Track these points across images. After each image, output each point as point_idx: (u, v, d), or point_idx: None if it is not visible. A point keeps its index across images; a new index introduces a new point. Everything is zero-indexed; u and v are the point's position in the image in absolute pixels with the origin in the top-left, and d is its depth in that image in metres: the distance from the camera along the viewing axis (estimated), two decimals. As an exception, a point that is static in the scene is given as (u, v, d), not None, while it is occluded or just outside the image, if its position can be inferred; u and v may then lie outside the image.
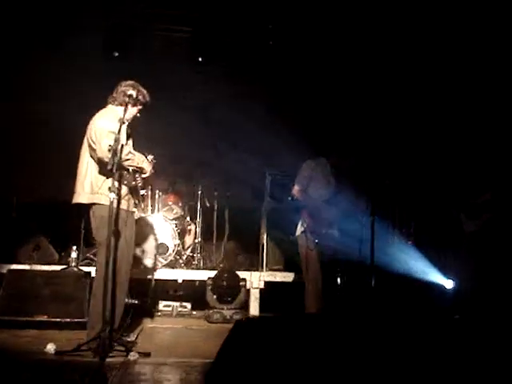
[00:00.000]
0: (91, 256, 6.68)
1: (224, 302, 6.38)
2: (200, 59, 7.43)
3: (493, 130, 6.25)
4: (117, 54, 7.52)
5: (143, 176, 4.55)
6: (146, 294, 6.53)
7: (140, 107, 4.73)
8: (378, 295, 6.04)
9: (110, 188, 4.09)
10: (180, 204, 7.22)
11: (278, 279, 6.83)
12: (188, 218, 7.45)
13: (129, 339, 4.88)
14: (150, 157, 4.79)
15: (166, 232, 6.84)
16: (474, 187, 6.04)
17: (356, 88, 7.40)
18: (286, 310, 6.31)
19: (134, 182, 4.43)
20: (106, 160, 4.20)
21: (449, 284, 6.22)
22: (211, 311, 6.32)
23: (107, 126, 4.40)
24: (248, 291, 6.68)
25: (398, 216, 7.16)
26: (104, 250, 4.25)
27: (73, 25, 6.93)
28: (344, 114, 7.23)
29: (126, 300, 4.73)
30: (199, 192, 7.34)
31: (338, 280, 5.90)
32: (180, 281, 6.74)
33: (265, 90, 7.61)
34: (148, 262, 6.69)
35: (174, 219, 7.16)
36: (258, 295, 6.74)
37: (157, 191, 7.05)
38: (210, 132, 7.68)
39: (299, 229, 5.81)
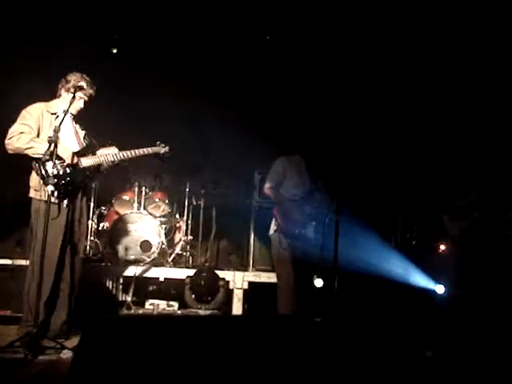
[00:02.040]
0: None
1: (202, 301, 6.23)
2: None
3: (478, 130, 5.89)
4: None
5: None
6: (128, 292, 6.45)
7: (86, 99, 4.67)
8: (351, 299, 5.81)
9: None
10: (167, 201, 7.09)
11: (263, 280, 6.61)
12: (177, 216, 7.32)
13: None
14: (112, 149, 4.75)
15: (150, 229, 6.73)
16: (458, 188, 5.68)
17: (338, 85, 7.12)
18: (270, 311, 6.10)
19: (54, 171, 4.32)
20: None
21: (440, 289, 5.86)
22: (187, 311, 6.17)
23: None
24: (231, 291, 6.50)
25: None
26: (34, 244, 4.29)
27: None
28: (325, 110, 6.95)
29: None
30: (187, 190, 7.19)
31: (316, 282, 5.64)
32: (162, 279, 6.61)
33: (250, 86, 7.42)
34: (131, 258, 6.60)
35: (162, 216, 7.06)
36: (241, 296, 6.54)
37: (143, 188, 6.94)
38: (198, 131, 7.54)
39: (272, 227, 5.59)
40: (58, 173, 4.35)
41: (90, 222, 6.90)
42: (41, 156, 4.30)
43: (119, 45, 7.63)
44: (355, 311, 5.74)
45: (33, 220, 4.43)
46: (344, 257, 5.31)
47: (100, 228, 6.97)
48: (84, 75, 4.67)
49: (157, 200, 7.04)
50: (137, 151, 4.87)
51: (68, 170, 4.43)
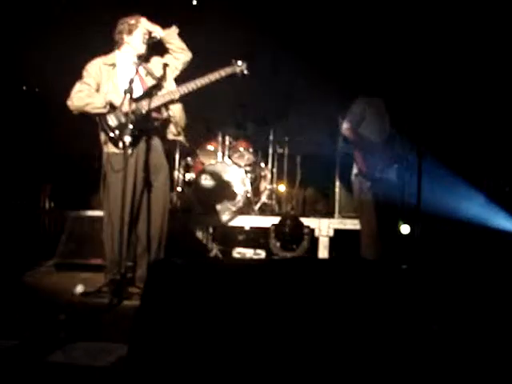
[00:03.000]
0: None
1: (287, 249, 6.23)
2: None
3: None
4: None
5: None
6: (215, 241, 6.58)
7: (139, 32, 4.58)
8: (436, 245, 5.61)
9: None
10: (251, 150, 7.07)
11: (349, 226, 6.50)
12: (262, 164, 7.30)
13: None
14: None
15: (235, 178, 6.76)
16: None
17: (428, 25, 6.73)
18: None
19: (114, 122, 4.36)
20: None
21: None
22: (273, 258, 6.21)
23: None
24: (317, 239, 6.46)
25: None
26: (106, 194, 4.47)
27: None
28: (410, 53, 6.61)
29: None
30: (270, 138, 7.14)
31: (403, 228, 5.48)
32: (247, 228, 6.67)
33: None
34: (216, 208, 6.70)
35: (246, 165, 7.07)
36: (327, 243, 6.48)
37: (226, 137, 6.95)
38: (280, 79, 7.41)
39: (353, 172, 5.46)
40: (120, 123, 4.36)
41: (176, 172, 7.05)
42: (100, 110, 4.38)
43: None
44: (439, 257, 5.54)
45: (103, 172, 4.53)
46: (429, 202, 5.13)
47: (186, 179, 7.08)
48: (129, 15, 4.60)
49: (241, 149, 7.04)
50: (206, 78, 4.57)
51: (130, 119, 4.24)
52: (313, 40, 7.27)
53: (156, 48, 4.71)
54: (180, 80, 4.77)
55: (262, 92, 7.37)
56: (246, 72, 4.68)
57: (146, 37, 4.55)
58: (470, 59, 6.77)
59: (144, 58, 4.54)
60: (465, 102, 6.77)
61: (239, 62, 4.66)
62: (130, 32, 4.56)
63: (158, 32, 4.56)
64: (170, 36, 4.64)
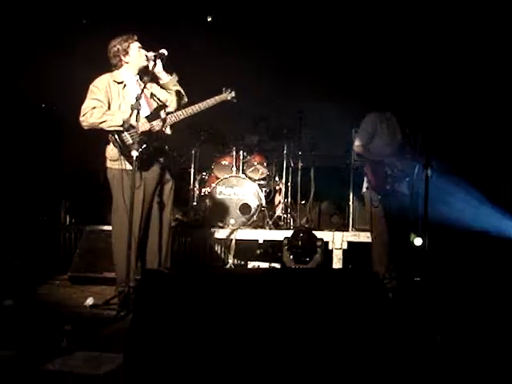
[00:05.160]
0: (179, 216, 6.93)
1: (300, 262, 6.23)
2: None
3: None
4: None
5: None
6: (229, 255, 6.61)
7: (134, 49, 4.68)
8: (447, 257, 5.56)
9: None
10: (265, 164, 7.11)
11: (362, 239, 6.48)
12: (277, 178, 7.33)
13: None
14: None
15: (249, 192, 6.81)
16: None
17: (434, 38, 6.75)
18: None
19: (130, 141, 4.44)
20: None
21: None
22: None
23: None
24: (331, 252, 6.46)
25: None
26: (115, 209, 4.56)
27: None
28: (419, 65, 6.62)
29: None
30: (284, 152, 7.18)
31: (416, 241, 5.44)
32: (261, 241, 6.70)
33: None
34: (231, 222, 6.74)
35: (260, 179, 7.11)
36: (340, 256, 6.48)
37: (241, 151, 7.01)
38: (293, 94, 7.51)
39: (364, 185, 5.52)
40: (134, 142, 4.41)
41: (191, 187, 7.13)
42: (115, 128, 4.46)
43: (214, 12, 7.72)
44: (449, 269, 5.50)
45: (111, 188, 4.61)
46: (440, 214, 5.10)
47: (202, 193, 7.14)
48: (118, 37, 4.67)
49: (255, 163, 7.09)
50: (203, 104, 4.82)
51: (143, 138, 4.46)
52: (324, 54, 7.33)
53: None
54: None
55: (274, 108, 7.45)
56: (235, 100, 5.04)
57: (141, 51, 4.68)
58: (479, 68, 6.75)
59: (151, 74, 4.62)
60: (477, 111, 6.74)
61: (229, 90, 5.01)
62: (126, 53, 4.65)
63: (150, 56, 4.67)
64: (171, 83, 4.82)
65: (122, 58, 4.65)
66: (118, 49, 4.63)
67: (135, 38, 4.69)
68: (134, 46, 4.66)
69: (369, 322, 2.43)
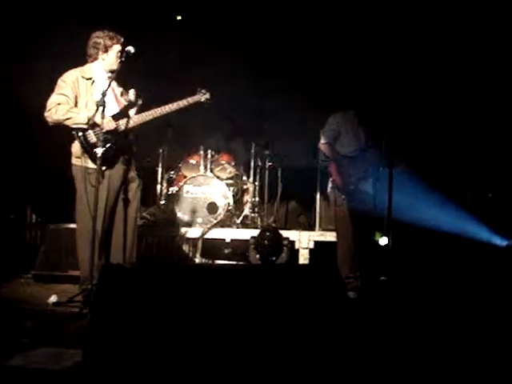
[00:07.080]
0: (146, 215, 6.91)
1: (266, 261, 6.26)
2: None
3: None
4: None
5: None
6: (195, 254, 6.61)
7: (115, 51, 4.64)
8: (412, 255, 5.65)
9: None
10: (233, 163, 7.14)
11: (329, 239, 6.53)
12: (244, 178, 7.37)
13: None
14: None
15: (217, 191, 6.83)
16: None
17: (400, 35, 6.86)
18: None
19: (94, 139, 4.43)
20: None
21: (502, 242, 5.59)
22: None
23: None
24: (297, 251, 6.51)
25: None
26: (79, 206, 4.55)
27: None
28: (382, 65, 6.72)
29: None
30: (252, 151, 7.22)
31: (381, 240, 5.52)
32: (228, 240, 6.71)
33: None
34: (198, 221, 6.75)
35: (229, 178, 7.14)
36: (307, 255, 6.53)
37: (209, 150, 7.02)
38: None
39: (329, 185, 5.58)
40: (98, 140, 4.38)
41: (159, 186, 7.13)
42: (80, 125, 4.43)
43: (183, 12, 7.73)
44: (414, 267, 5.60)
45: (76, 185, 4.58)
46: (402, 213, 5.18)
47: (169, 192, 7.14)
48: (106, 31, 4.63)
49: (223, 162, 7.11)
50: (173, 105, 4.71)
51: (108, 137, 4.43)
52: (291, 55, 7.40)
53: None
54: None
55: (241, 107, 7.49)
56: (209, 101, 4.91)
57: (119, 54, 4.62)
58: (443, 68, 6.87)
59: (117, 73, 4.59)
60: (443, 112, 6.85)
61: (203, 91, 4.88)
62: (106, 50, 4.62)
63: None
64: None
65: (100, 53, 4.62)
66: (100, 43, 4.60)
67: (121, 41, 4.66)
68: (116, 49, 4.63)
69: (323, 316, 2.47)
